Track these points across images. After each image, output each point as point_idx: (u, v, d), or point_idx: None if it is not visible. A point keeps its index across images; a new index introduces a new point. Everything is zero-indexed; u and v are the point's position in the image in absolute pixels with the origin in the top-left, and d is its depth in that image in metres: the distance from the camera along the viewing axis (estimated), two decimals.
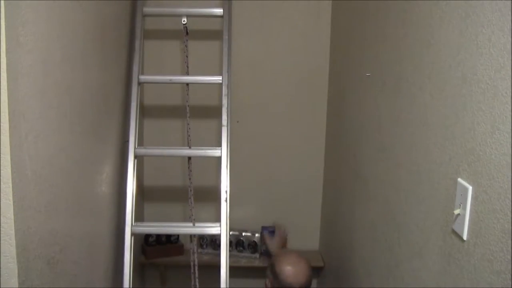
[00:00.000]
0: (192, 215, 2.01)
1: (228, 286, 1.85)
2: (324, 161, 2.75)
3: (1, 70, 1.05)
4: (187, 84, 2.13)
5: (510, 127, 0.90)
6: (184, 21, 2.09)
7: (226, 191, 1.93)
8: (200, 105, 2.56)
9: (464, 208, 1.07)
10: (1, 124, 1.07)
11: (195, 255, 2.10)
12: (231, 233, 2.59)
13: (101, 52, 1.80)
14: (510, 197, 0.91)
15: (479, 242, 1.02)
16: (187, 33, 2.13)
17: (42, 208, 1.28)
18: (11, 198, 1.10)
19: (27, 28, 1.16)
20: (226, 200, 1.91)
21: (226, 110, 2.03)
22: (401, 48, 1.52)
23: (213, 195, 2.22)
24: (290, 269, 1.92)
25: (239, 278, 2.69)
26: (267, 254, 2.63)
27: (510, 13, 0.91)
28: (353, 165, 2.12)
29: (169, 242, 2.69)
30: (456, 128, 1.13)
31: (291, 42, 2.65)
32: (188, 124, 2.07)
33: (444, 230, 1.19)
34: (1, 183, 1.09)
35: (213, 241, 2.68)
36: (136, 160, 1.99)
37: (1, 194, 1.09)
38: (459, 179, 1.10)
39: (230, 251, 2.01)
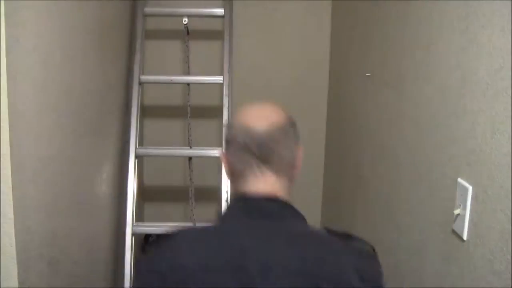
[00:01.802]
0: (193, 215, 2.02)
1: None
2: (324, 161, 2.75)
3: (1, 70, 1.05)
4: (188, 84, 2.13)
5: (510, 127, 0.90)
6: (185, 21, 2.09)
7: (227, 191, 1.93)
8: (201, 105, 2.56)
9: (464, 208, 1.06)
10: (1, 124, 1.07)
11: None
12: None
13: (101, 52, 1.80)
14: (510, 197, 0.90)
15: (479, 242, 1.02)
16: (188, 33, 2.13)
17: (42, 208, 1.28)
18: (11, 198, 1.10)
19: (27, 28, 1.16)
20: (227, 200, 1.91)
21: (227, 110, 2.03)
22: (401, 48, 1.52)
23: (214, 195, 2.22)
24: (247, 112, 1.11)
25: None
26: None
27: (510, 13, 0.91)
28: (353, 165, 2.12)
29: None
30: (456, 128, 1.13)
31: (292, 42, 2.65)
32: (189, 124, 2.07)
33: (444, 230, 1.18)
34: (1, 183, 1.09)
35: None
36: (136, 160, 1.99)
37: (1, 194, 1.09)
38: (459, 179, 1.10)
39: None
